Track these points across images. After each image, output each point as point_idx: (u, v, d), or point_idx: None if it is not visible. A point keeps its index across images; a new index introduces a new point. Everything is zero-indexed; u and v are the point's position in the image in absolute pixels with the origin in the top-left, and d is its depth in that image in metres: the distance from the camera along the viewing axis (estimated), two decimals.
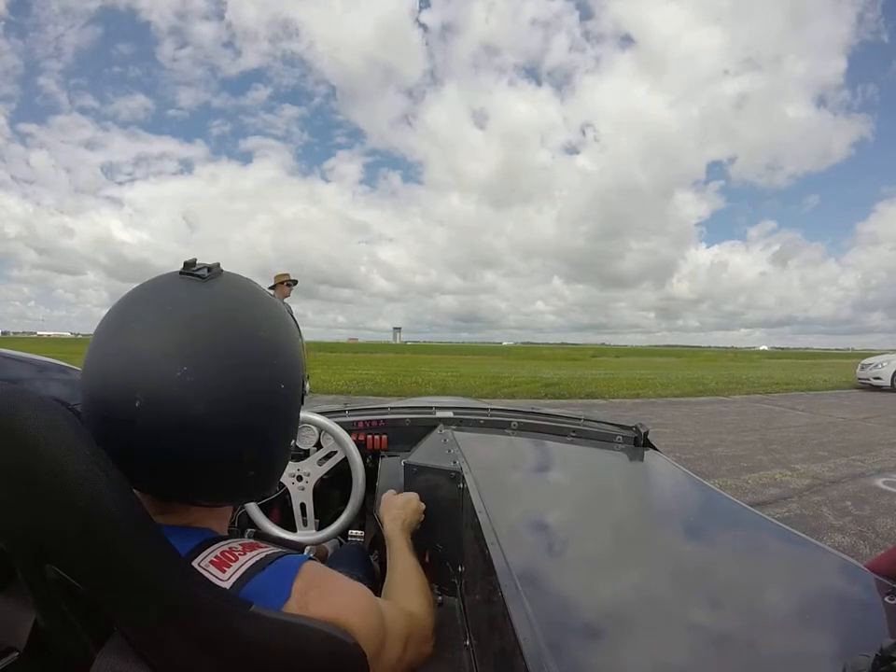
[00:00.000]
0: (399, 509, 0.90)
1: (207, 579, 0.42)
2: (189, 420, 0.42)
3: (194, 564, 0.44)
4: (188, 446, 0.43)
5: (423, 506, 0.95)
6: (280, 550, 0.50)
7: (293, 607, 0.44)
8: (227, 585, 0.43)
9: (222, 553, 0.46)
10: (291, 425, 0.52)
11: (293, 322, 0.54)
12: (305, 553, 0.55)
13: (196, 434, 0.42)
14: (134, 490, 0.40)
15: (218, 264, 0.50)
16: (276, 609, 0.43)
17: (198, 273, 0.47)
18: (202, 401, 0.42)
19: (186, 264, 0.48)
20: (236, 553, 0.46)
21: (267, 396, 0.47)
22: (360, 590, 0.51)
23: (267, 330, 0.48)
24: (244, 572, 0.44)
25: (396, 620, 0.56)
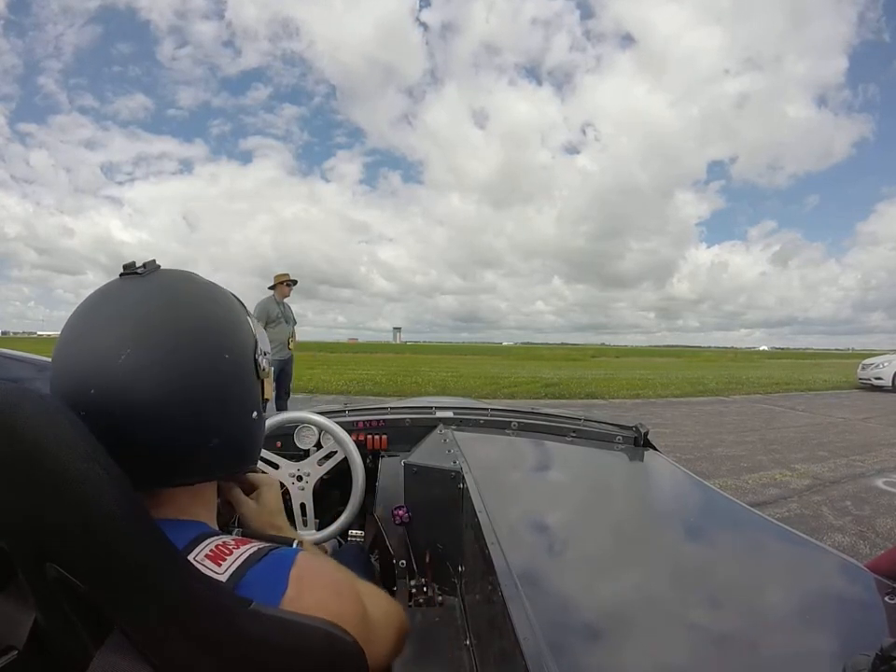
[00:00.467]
0: (272, 526, 0.71)
1: (205, 575, 0.42)
2: (138, 400, 0.44)
3: (190, 558, 0.44)
4: (145, 424, 0.45)
5: (277, 484, 0.77)
6: (271, 544, 0.51)
7: (290, 596, 0.45)
8: (223, 578, 0.43)
9: (217, 546, 0.47)
10: (246, 393, 0.54)
11: (236, 303, 0.58)
12: (294, 546, 0.56)
13: (149, 411, 0.45)
14: None
15: (154, 261, 0.54)
16: (276, 598, 0.44)
17: (135, 270, 0.51)
18: (147, 380, 0.45)
19: (124, 266, 0.52)
20: (230, 547, 0.47)
21: (211, 366, 0.49)
22: (351, 580, 0.53)
23: (203, 308, 0.51)
24: (239, 565, 0.45)
25: (378, 610, 0.57)
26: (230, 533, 0.55)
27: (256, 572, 0.45)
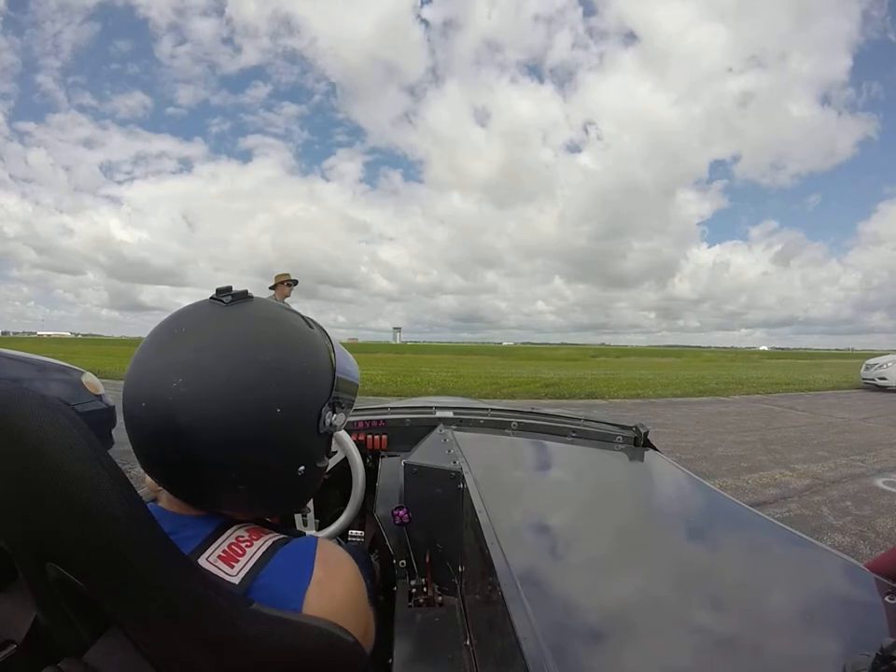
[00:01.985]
0: None
1: (210, 576, 0.42)
2: (178, 426, 0.45)
3: (203, 558, 0.45)
4: (177, 450, 0.46)
5: None
6: (285, 535, 0.52)
7: (318, 577, 0.47)
8: (235, 580, 0.44)
9: (230, 546, 0.47)
10: (294, 448, 0.52)
11: (320, 351, 0.55)
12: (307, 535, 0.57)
13: (184, 439, 0.46)
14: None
15: (245, 291, 0.53)
16: (305, 579, 0.46)
17: (222, 298, 0.51)
18: (191, 411, 0.45)
19: (217, 290, 0.52)
20: (243, 545, 0.48)
21: (258, 416, 0.47)
22: (361, 578, 0.54)
23: (270, 355, 0.49)
24: (253, 564, 0.46)
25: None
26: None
27: (282, 557, 0.48)
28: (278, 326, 0.52)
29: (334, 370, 0.55)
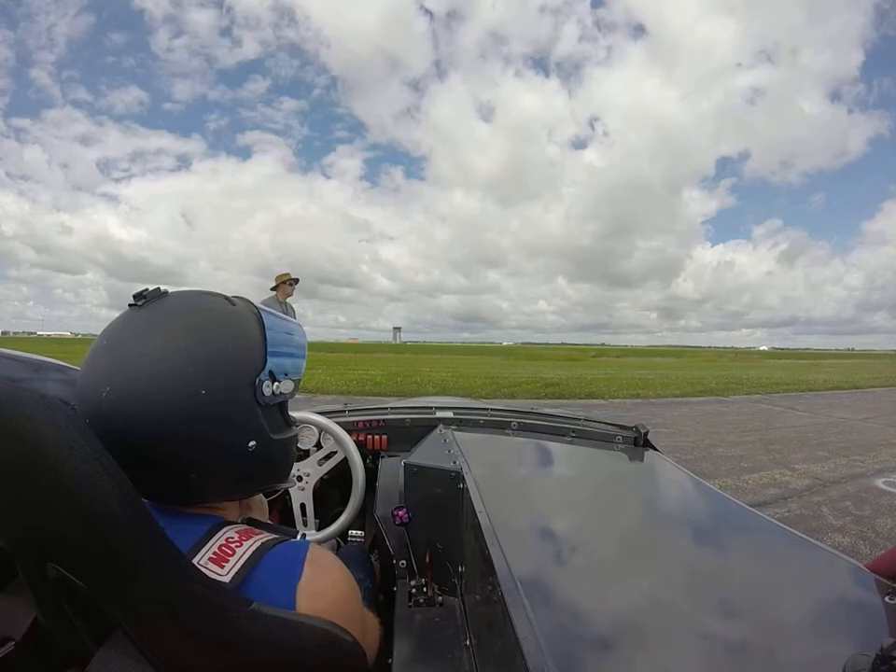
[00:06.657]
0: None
1: (208, 576, 0.42)
2: (116, 431, 0.46)
3: (195, 560, 0.45)
4: (124, 454, 0.46)
5: None
6: (276, 536, 0.52)
7: (308, 576, 0.48)
8: (226, 579, 0.44)
9: (220, 548, 0.48)
10: (230, 428, 0.51)
11: (243, 326, 0.55)
12: (298, 538, 0.57)
13: (125, 442, 0.46)
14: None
15: (158, 289, 0.54)
16: (293, 579, 0.47)
17: (137, 302, 0.52)
18: (123, 413, 0.46)
19: (133, 296, 0.53)
20: (233, 546, 0.48)
21: (184, 402, 0.48)
22: (353, 582, 0.55)
23: (184, 341, 0.50)
24: (242, 564, 0.46)
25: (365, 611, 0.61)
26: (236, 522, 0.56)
27: (273, 557, 0.48)
28: (192, 313, 0.53)
29: (265, 341, 0.55)
